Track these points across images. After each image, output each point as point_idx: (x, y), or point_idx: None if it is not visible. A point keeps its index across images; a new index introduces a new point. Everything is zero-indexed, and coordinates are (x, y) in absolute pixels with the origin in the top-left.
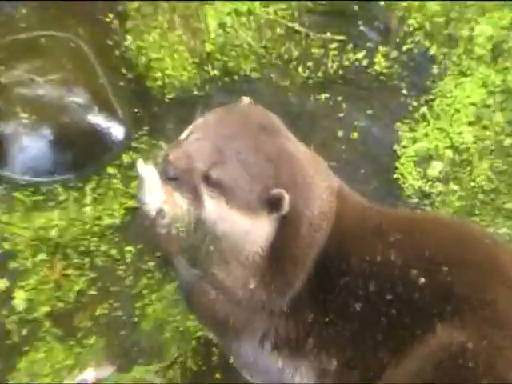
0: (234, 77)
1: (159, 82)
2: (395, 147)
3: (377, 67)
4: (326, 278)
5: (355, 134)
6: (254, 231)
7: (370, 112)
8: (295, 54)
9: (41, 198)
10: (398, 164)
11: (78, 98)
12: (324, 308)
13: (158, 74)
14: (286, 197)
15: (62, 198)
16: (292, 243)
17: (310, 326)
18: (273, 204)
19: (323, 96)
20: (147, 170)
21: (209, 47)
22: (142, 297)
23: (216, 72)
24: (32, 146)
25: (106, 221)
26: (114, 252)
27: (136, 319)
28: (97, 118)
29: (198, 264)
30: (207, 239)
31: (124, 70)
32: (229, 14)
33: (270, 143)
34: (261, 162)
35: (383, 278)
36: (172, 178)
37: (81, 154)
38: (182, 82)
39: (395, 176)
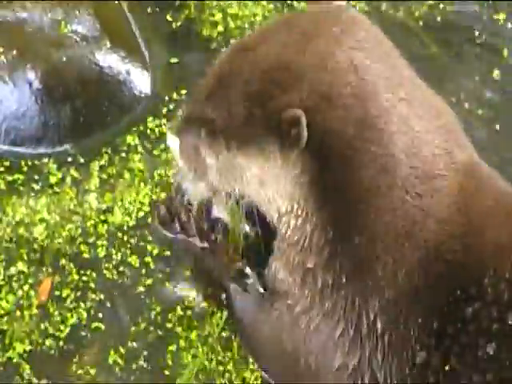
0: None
1: (220, 28)
2: None
3: None
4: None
5: None
6: (268, 178)
7: None
8: None
9: (21, 177)
10: None
11: (80, 25)
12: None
13: (218, 16)
14: (303, 118)
15: (53, 179)
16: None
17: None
18: (285, 132)
19: None
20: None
21: None
22: (175, 336)
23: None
24: (8, 98)
25: (118, 217)
26: (132, 260)
27: (167, 372)
28: (110, 59)
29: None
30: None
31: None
32: None
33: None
34: (271, 73)
35: None
36: None
37: (84, 114)
38: (254, 26)
39: None
